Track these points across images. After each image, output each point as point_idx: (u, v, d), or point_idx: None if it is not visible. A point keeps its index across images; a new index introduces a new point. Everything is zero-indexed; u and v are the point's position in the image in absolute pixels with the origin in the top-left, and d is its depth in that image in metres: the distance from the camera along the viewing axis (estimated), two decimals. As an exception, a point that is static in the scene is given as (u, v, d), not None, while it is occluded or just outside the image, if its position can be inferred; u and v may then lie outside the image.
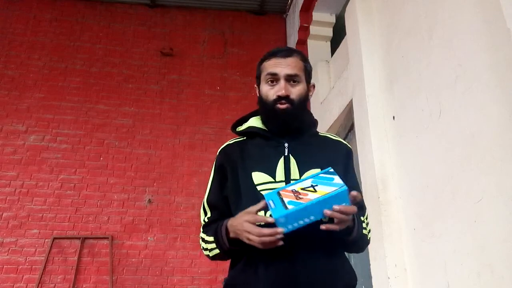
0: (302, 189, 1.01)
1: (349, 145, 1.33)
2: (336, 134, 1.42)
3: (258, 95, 1.30)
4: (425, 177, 2.42)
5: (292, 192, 1.01)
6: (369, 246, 2.80)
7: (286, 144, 1.21)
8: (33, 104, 4.62)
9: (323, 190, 0.98)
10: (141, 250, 4.25)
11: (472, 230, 1.97)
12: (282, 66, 1.22)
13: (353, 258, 3.56)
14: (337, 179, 1.00)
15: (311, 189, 1.00)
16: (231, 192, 1.20)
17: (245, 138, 1.31)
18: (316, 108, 4.38)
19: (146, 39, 5.29)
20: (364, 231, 1.18)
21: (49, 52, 4.93)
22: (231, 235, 1.11)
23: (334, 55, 4.31)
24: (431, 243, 2.30)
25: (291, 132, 1.23)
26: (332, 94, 4.00)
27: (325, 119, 4.03)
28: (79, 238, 4.14)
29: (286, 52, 1.25)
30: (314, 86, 1.33)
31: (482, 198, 1.92)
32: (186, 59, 5.28)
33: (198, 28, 5.50)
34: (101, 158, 4.55)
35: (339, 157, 1.26)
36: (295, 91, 1.22)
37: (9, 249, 4.00)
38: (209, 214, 1.25)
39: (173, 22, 5.48)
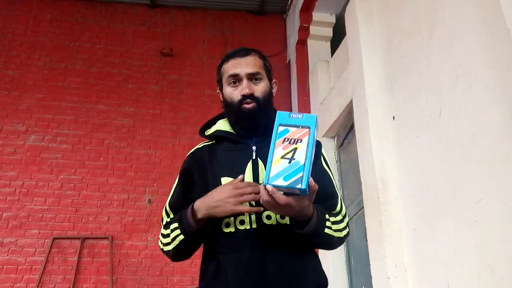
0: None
1: (317, 139, 1.31)
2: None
3: (222, 99, 1.30)
4: (425, 177, 2.42)
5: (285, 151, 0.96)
6: (369, 246, 2.82)
7: (254, 147, 1.20)
8: (33, 104, 4.62)
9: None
10: (141, 250, 4.25)
11: (472, 230, 1.97)
12: (242, 66, 1.23)
13: (353, 259, 3.56)
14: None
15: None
16: (199, 196, 1.18)
17: (214, 141, 1.30)
18: (316, 108, 4.38)
19: (146, 39, 5.29)
20: (328, 230, 1.11)
21: (49, 52, 4.93)
22: (199, 215, 1.10)
23: (334, 55, 4.31)
24: (431, 243, 2.30)
25: (259, 132, 1.22)
26: (332, 94, 4.00)
27: (325, 119, 4.03)
28: (79, 238, 4.14)
29: (244, 52, 1.26)
30: (276, 82, 1.33)
31: (482, 198, 1.92)
32: (186, 59, 5.28)
33: (198, 28, 5.50)
34: (101, 158, 4.55)
35: None
36: (259, 89, 1.22)
37: (9, 249, 4.00)
38: (171, 216, 1.25)
39: (173, 22, 5.48)
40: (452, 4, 2.27)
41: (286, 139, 0.95)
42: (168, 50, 5.19)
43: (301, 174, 0.91)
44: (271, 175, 0.93)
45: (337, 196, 1.23)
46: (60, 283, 3.97)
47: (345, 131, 3.81)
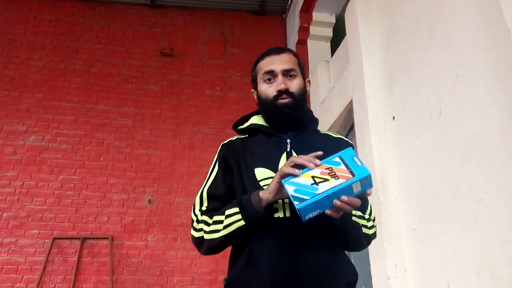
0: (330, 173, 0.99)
1: (350, 141, 1.34)
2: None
3: (256, 97, 1.31)
4: (425, 177, 2.42)
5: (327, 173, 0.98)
6: (369, 246, 2.80)
7: (288, 140, 1.22)
8: (33, 104, 4.62)
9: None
10: (141, 250, 4.25)
11: (472, 230, 1.97)
12: (278, 63, 1.24)
13: (353, 259, 3.56)
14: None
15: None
16: (236, 186, 1.20)
17: (247, 135, 1.32)
18: (316, 108, 4.38)
19: (146, 39, 5.29)
20: (354, 218, 1.16)
21: (49, 52, 4.93)
22: (265, 201, 1.07)
23: (334, 55, 4.31)
24: (431, 244, 2.30)
25: (293, 127, 1.24)
26: (332, 94, 4.00)
27: (325, 119, 4.03)
28: (79, 239, 4.14)
29: (279, 50, 1.28)
30: (309, 81, 1.35)
31: (482, 198, 1.91)
32: (186, 59, 5.28)
33: (198, 28, 5.50)
34: (101, 159, 4.55)
35: None
36: (294, 85, 1.23)
37: (9, 249, 4.00)
38: (206, 204, 1.21)
39: (173, 22, 5.48)
40: (452, 4, 2.27)
41: (330, 169, 0.98)
42: (168, 50, 5.19)
43: (308, 198, 0.94)
44: (292, 180, 0.98)
45: (368, 200, 1.24)
46: (60, 283, 3.97)
47: (345, 131, 3.81)
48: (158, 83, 5.07)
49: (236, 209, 1.11)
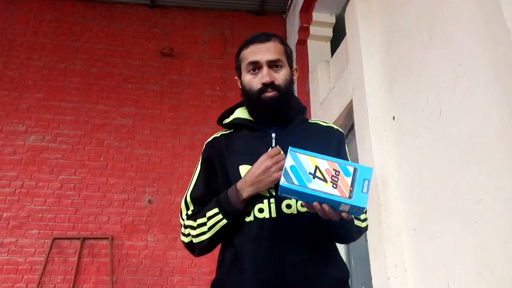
0: (335, 172, 0.94)
1: (340, 129, 1.28)
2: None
3: (240, 86, 1.24)
4: (425, 177, 2.42)
5: (331, 171, 0.93)
6: (369, 246, 2.81)
7: (273, 135, 1.16)
8: (33, 104, 4.62)
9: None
10: (141, 251, 4.24)
11: (472, 230, 1.97)
12: (262, 52, 1.17)
13: (353, 259, 3.56)
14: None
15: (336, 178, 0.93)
16: (221, 186, 1.16)
17: (231, 130, 1.27)
18: (316, 108, 4.38)
19: (146, 39, 5.29)
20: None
21: (49, 52, 4.93)
22: (245, 194, 1.07)
23: (334, 55, 4.31)
24: (431, 244, 2.29)
25: (278, 120, 1.18)
26: (332, 94, 4.00)
27: (325, 119, 4.00)
28: (79, 239, 4.14)
29: (264, 37, 1.20)
30: (297, 69, 1.28)
31: (482, 198, 1.91)
32: (186, 59, 5.28)
33: (198, 28, 5.50)
34: (101, 159, 4.55)
35: (331, 143, 1.19)
36: (280, 76, 1.17)
37: (9, 250, 4.00)
38: (192, 208, 1.18)
39: (173, 22, 5.48)
40: (452, 4, 2.27)
41: (337, 172, 0.93)
42: (168, 50, 5.19)
43: (296, 184, 0.92)
44: (298, 154, 0.95)
45: None
46: (60, 283, 3.97)
47: (345, 131, 3.81)
48: (158, 83, 5.07)
49: (216, 210, 1.09)
